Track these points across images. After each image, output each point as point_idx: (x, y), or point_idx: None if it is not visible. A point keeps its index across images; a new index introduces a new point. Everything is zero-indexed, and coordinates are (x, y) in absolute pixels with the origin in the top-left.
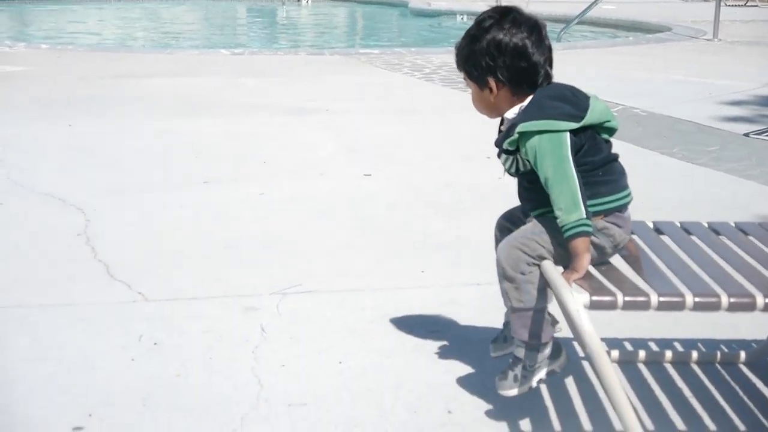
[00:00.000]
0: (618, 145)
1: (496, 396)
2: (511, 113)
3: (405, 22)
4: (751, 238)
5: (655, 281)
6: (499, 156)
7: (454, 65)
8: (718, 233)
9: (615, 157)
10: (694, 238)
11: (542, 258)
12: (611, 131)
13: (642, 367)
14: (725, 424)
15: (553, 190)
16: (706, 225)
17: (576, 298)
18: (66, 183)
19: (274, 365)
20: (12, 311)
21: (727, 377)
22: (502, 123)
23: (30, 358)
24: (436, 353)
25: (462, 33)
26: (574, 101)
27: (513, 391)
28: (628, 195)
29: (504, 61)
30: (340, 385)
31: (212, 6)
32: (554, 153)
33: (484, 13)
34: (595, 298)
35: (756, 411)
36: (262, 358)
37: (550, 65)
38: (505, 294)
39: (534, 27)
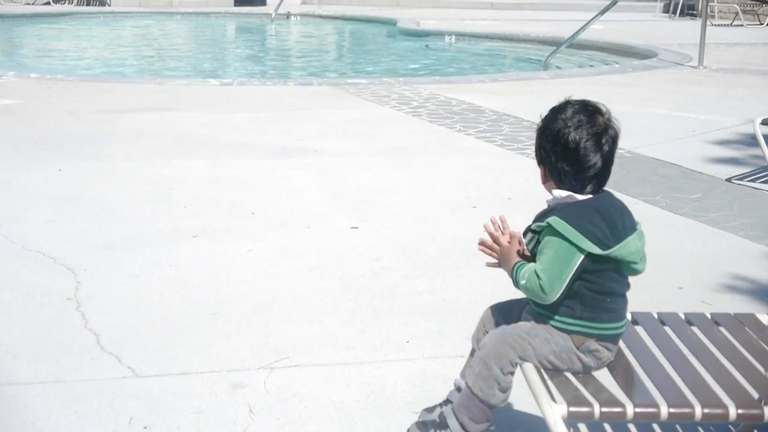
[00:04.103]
0: None
1: None
2: (558, 194)
3: (394, 44)
4: (723, 330)
5: (631, 389)
6: (524, 234)
7: (441, 98)
8: (691, 324)
9: (624, 292)
10: (669, 331)
11: (526, 361)
12: (635, 272)
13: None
14: None
15: (534, 278)
16: (683, 316)
17: (554, 409)
18: (56, 238)
19: None
20: (4, 389)
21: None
22: None
23: None
24: None
25: (447, 56)
26: (614, 227)
27: None
28: (624, 325)
29: (554, 157)
30: None
31: (201, 23)
32: (559, 262)
33: (567, 100)
34: (572, 409)
35: None
36: None
37: (604, 176)
38: (472, 372)
39: (600, 133)
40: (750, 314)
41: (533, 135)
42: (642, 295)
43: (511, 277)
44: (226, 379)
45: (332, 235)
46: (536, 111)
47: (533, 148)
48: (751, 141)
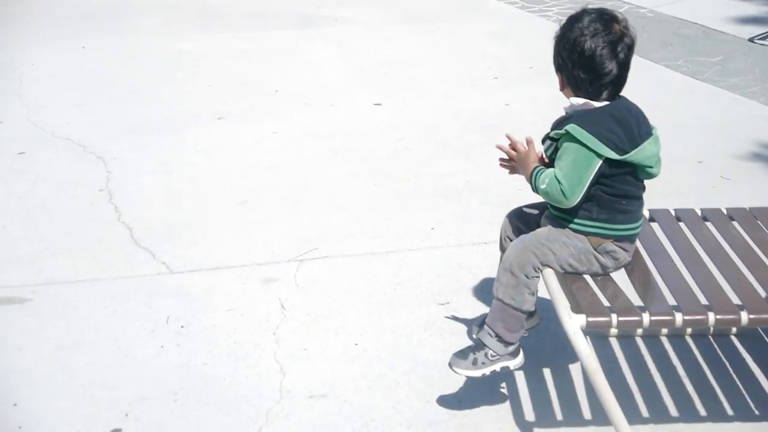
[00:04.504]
0: None
1: (500, 384)
2: (575, 101)
3: None
4: (737, 226)
5: (647, 295)
6: (543, 141)
7: None
8: (706, 220)
9: (640, 195)
10: (684, 228)
11: (548, 266)
12: (650, 176)
13: (639, 341)
14: (712, 399)
15: (555, 183)
16: (699, 212)
17: (574, 319)
18: (84, 124)
19: (294, 349)
20: (45, 290)
21: (719, 350)
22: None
23: (67, 346)
24: (447, 330)
25: None
26: (630, 132)
27: (467, 372)
28: (640, 226)
29: (570, 64)
30: (357, 372)
31: None
32: (577, 167)
33: (584, 8)
34: (591, 319)
35: (740, 385)
36: (283, 340)
37: (620, 83)
38: (500, 284)
39: (616, 41)
40: (764, 208)
41: None
42: (663, 173)
43: (530, 182)
44: (257, 273)
45: (355, 113)
46: None
47: (554, 10)
48: None
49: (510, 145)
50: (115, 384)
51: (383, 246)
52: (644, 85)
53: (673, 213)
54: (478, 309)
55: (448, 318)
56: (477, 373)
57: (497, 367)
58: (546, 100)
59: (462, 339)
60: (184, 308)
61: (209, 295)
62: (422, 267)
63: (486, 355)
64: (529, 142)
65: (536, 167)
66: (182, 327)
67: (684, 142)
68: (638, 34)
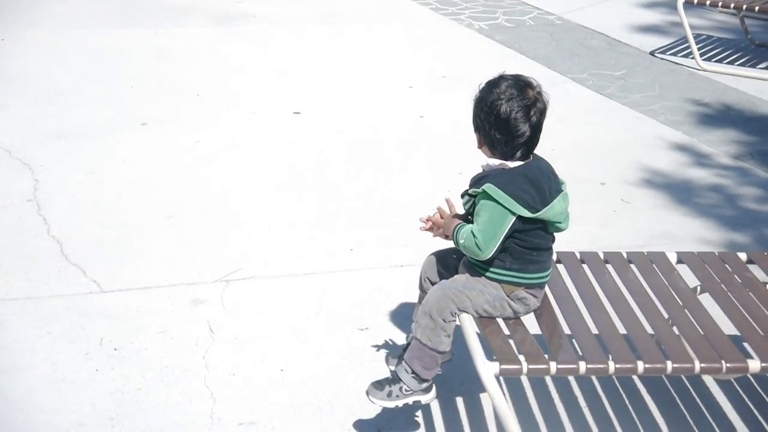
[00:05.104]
0: (532, 69)
1: (414, 414)
2: (492, 162)
3: None
4: (635, 270)
5: (555, 343)
6: (462, 195)
7: None
8: (607, 262)
9: (550, 246)
10: (587, 270)
11: (464, 311)
12: (559, 230)
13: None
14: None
15: (471, 238)
16: (601, 255)
17: (488, 366)
18: (7, 126)
19: (223, 374)
20: None
21: (619, 387)
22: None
23: (5, 369)
24: (366, 357)
25: None
26: (542, 191)
27: (382, 402)
28: (549, 274)
29: (487, 125)
30: (283, 400)
31: None
32: (493, 224)
33: (501, 75)
34: (504, 366)
35: (637, 420)
36: (212, 365)
37: (532, 143)
38: (419, 326)
39: (530, 105)
40: (660, 253)
41: None
42: (571, 191)
43: (452, 237)
44: (185, 293)
45: (276, 122)
46: None
47: (466, 13)
48: (674, 3)
49: (436, 214)
50: (53, 409)
51: (306, 267)
52: (552, 99)
53: (578, 256)
54: (396, 334)
55: (368, 344)
56: (391, 404)
57: (410, 400)
58: (457, 112)
59: (381, 366)
60: (117, 330)
61: (140, 316)
62: (343, 290)
63: (401, 389)
64: (450, 205)
65: (457, 224)
66: (115, 350)
67: (587, 161)
68: (546, 43)
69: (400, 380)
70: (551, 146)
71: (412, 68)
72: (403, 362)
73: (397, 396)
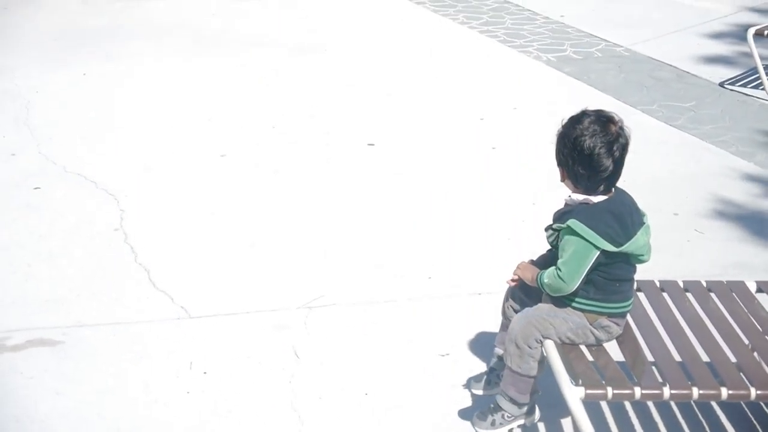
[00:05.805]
0: (602, 101)
1: None
2: (575, 197)
3: None
4: (715, 298)
5: (638, 368)
6: (546, 229)
7: None
8: (687, 291)
9: (632, 277)
10: (667, 299)
11: (548, 338)
12: (641, 262)
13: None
14: None
15: (555, 274)
16: (681, 284)
17: (574, 391)
18: (94, 159)
19: (311, 398)
20: (73, 332)
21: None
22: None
23: (100, 390)
24: (448, 382)
25: None
26: (625, 226)
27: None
28: (631, 303)
29: (571, 161)
30: (370, 422)
31: None
32: (577, 258)
33: (584, 111)
34: (589, 392)
35: None
36: (299, 389)
37: (614, 178)
38: (508, 354)
39: (612, 141)
40: (740, 282)
41: (533, 28)
42: None
43: (536, 282)
44: (270, 319)
45: (351, 154)
46: None
47: (534, 45)
48: (743, 34)
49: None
50: (147, 429)
51: (386, 294)
52: None
53: (657, 284)
54: (477, 360)
55: (449, 370)
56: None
57: (514, 425)
58: (528, 144)
59: (462, 391)
60: (205, 354)
61: (227, 341)
62: (423, 316)
63: (503, 416)
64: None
65: (539, 272)
66: (205, 373)
67: (660, 192)
68: (615, 75)
69: (501, 408)
70: (623, 177)
71: (483, 100)
72: (501, 390)
73: (501, 423)
